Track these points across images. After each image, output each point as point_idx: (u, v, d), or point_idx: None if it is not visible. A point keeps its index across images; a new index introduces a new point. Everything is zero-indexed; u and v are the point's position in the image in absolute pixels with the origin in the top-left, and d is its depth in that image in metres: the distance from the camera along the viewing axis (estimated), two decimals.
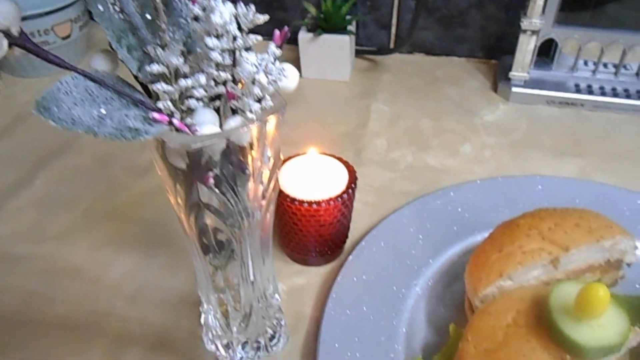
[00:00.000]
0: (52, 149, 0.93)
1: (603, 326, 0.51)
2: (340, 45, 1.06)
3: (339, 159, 0.71)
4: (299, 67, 1.11)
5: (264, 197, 0.48)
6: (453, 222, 0.77)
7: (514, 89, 1.03)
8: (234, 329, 0.58)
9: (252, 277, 0.54)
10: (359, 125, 0.98)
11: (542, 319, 0.53)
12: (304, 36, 1.06)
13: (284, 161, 0.70)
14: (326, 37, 1.05)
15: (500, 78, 1.07)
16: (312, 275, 0.72)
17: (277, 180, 0.49)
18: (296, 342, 0.64)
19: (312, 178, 0.68)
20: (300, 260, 0.73)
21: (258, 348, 0.61)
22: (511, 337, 0.53)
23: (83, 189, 0.85)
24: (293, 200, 0.65)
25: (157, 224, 0.79)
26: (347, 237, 0.74)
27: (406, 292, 0.68)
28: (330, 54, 1.07)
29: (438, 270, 0.71)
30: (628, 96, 1.01)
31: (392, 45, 1.17)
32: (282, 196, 0.66)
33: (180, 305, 0.67)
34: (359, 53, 1.15)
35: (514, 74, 1.03)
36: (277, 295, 0.61)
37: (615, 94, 1.02)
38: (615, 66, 1.04)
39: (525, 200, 0.77)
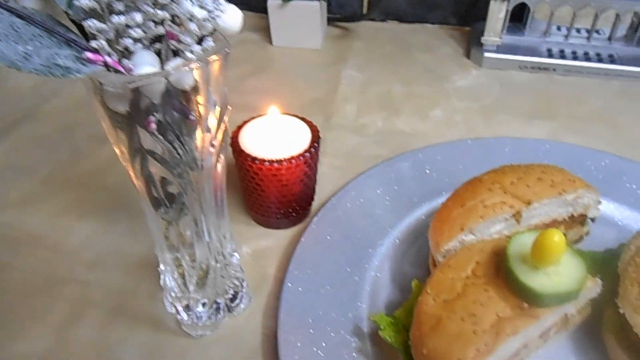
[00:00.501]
0: (14, 118, 0.91)
1: (560, 274, 0.50)
2: (311, 12, 1.04)
3: (302, 119, 0.70)
4: (269, 36, 1.09)
5: (212, 146, 0.47)
6: (421, 183, 0.76)
7: (486, 54, 1.02)
8: (191, 288, 0.57)
9: (206, 234, 0.53)
10: (329, 91, 0.96)
11: (500, 269, 0.52)
12: (273, 3, 1.04)
13: (246, 122, 0.69)
14: (296, 4, 1.03)
15: (472, 44, 1.06)
16: (278, 238, 0.71)
17: (225, 129, 0.48)
18: (259, 303, 0.63)
19: (274, 138, 0.67)
20: (266, 223, 0.72)
21: (219, 309, 0.60)
22: (469, 288, 0.52)
23: (45, 157, 0.83)
24: (254, 159, 0.64)
25: (120, 191, 0.77)
26: (312, 199, 0.73)
27: (372, 252, 0.67)
28: (301, 21, 1.05)
29: (405, 230, 0.71)
30: (600, 60, 1.01)
31: (364, 11, 1.15)
32: (242, 156, 0.65)
33: (141, 270, 0.66)
34: (330, 20, 1.13)
35: (486, 38, 1.01)
36: (236, 254, 0.60)
37: (587, 58, 1.01)
38: (587, 31, 1.04)
39: (494, 161, 0.75)
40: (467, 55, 1.07)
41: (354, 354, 0.57)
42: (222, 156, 0.49)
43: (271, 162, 0.64)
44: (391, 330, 0.56)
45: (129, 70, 0.39)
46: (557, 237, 0.48)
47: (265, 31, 1.10)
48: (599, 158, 0.79)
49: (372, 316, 0.57)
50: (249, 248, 0.70)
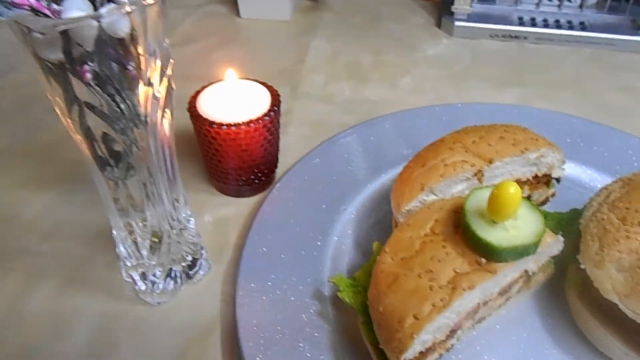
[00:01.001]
0: None
1: (517, 228, 0.50)
2: None
3: (263, 83, 0.68)
4: (236, 8, 1.07)
5: (156, 99, 0.45)
6: (387, 149, 0.75)
7: (457, 23, 1.01)
8: (145, 254, 0.55)
9: (156, 197, 0.51)
10: (297, 62, 0.94)
11: (459, 226, 0.51)
12: None
13: (204, 87, 0.67)
14: None
15: (443, 13, 1.04)
16: (241, 206, 0.69)
17: (170, 84, 0.46)
18: (219, 270, 0.62)
19: (233, 102, 0.65)
20: (229, 191, 0.71)
21: (177, 276, 0.59)
22: (427, 245, 0.51)
23: (1, 131, 0.80)
24: (211, 123, 0.62)
25: (78, 163, 0.74)
26: (276, 166, 0.72)
27: (336, 217, 0.66)
28: None
29: (369, 195, 0.69)
30: (571, 27, 1.00)
31: None
32: (200, 121, 0.63)
33: (99, 240, 0.64)
34: None
35: (457, 7, 1.00)
36: (192, 220, 0.59)
37: (558, 25, 1.00)
38: None
39: (462, 126, 0.75)
40: (438, 24, 1.05)
41: (314, 317, 0.56)
42: (168, 112, 0.47)
43: (229, 125, 0.62)
44: (350, 292, 0.55)
45: (57, 13, 0.37)
46: (512, 189, 0.47)
47: (233, 3, 1.08)
48: (566, 121, 0.79)
49: (331, 278, 0.56)
50: (210, 217, 0.68)
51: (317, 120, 0.82)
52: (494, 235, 0.48)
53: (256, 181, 0.69)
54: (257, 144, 0.65)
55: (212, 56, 0.96)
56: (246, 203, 0.70)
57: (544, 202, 0.68)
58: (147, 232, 0.54)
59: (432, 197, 0.58)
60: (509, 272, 0.51)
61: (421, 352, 0.49)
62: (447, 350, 0.53)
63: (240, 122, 0.62)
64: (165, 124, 0.48)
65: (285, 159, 0.73)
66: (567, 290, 0.58)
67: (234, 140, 0.63)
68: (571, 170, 0.73)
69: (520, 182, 0.63)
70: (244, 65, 0.94)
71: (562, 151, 0.63)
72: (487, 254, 0.49)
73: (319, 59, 0.95)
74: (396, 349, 0.47)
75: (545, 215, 0.67)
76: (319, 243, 0.63)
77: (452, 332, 0.51)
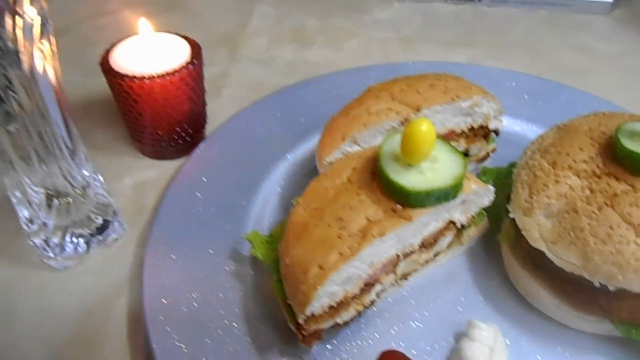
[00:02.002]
0: None
1: (435, 171, 0.46)
2: None
3: (184, 37, 0.64)
4: None
5: (29, 31, 0.41)
6: (323, 108, 0.70)
7: None
8: (41, 214, 0.51)
9: (45, 149, 0.47)
10: (240, 26, 0.90)
11: (376, 173, 0.48)
12: None
13: (118, 41, 0.63)
14: None
15: None
16: (165, 169, 0.65)
17: (45, 19, 0.42)
18: (133, 233, 0.58)
19: (150, 56, 0.61)
20: (152, 153, 0.66)
21: (84, 240, 0.55)
22: (341, 194, 0.47)
23: None
24: (124, 77, 0.58)
25: None
26: (203, 127, 0.68)
27: (263, 177, 0.62)
28: None
29: (300, 154, 0.65)
30: None
31: None
32: (112, 74, 0.59)
33: (2, 204, 0.60)
34: None
35: None
36: (99, 177, 0.54)
37: None
38: None
39: None
40: None
41: (229, 277, 0.52)
42: (45, 49, 0.43)
43: (142, 78, 0.58)
44: (264, 248, 0.51)
45: None
46: (424, 126, 0.43)
47: None
48: (514, 78, 0.75)
49: (246, 235, 0.52)
50: (131, 179, 0.64)
51: (255, 82, 0.78)
52: (408, 179, 0.45)
53: (180, 142, 0.65)
54: (176, 100, 0.61)
55: (153, 21, 0.91)
56: (171, 165, 0.66)
57: (484, 158, 0.65)
58: (40, 189, 0.49)
59: (355, 148, 0.55)
60: (428, 220, 0.47)
61: (332, 307, 0.45)
62: (366, 307, 0.49)
63: (155, 75, 0.58)
64: (47, 69, 0.43)
65: (217, 121, 0.69)
66: (501, 244, 0.54)
67: (149, 95, 0.59)
68: (518, 127, 0.70)
69: (455, 135, 0.60)
70: (185, 29, 0.89)
71: (499, 101, 0.60)
72: (401, 198, 0.45)
73: (262, 23, 0.91)
74: (301, 302, 0.43)
75: (485, 171, 0.63)
76: (244, 203, 0.59)
77: (368, 286, 0.47)
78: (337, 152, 0.54)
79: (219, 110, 0.71)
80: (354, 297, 0.46)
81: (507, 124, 0.68)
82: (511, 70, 0.76)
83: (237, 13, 0.94)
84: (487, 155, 0.65)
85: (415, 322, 0.51)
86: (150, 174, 0.64)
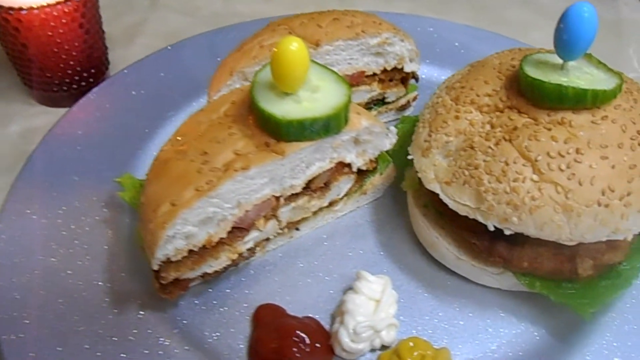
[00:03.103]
0: None
1: (315, 100, 0.40)
2: None
3: None
4: None
5: None
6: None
7: None
8: None
9: None
10: None
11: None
12: None
13: None
14: None
15: None
16: (57, 117, 0.59)
17: None
18: (6, 181, 0.52)
19: None
20: (45, 99, 0.60)
21: None
22: (213, 128, 0.42)
23: None
24: (9, 9, 0.52)
25: None
26: (103, 72, 0.62)
27: (160, 123, 0.57)
28: None
29: (204, 101, 0.60)
30: None
31: None
32: None
33: None
34: None
35: None
36: None
37: None
38: None
39: None
40: None
41: (100, 226, 0.47)
42: None
43: (31, 9, 0.52)
44: (134, 191, 0.46)
45: None
46: (294, 44, 0.37)
47: None
48: (444, 27, 0.70)
49: (118, 178, 0.47)
50: (18, 127, 0.59)
51: (173, 32, 0.73)
52: (281, 107, 0.39)
53: (74, 86, 0.60)
54: (65, 37, 0.55)
55: None
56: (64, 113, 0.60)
57: (404, 107, 0.59)
58: None
59: (245, 84, 0.49)
60: (307, 157, 0.42)
61: (194, 253, 0.40)
62: (244, 258, 0.44)
63: (35, 5, 0.52)
64: None
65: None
66: (407, 195, 0.49)
67: (32, 28, 0.53)
68: (446, 76, 0.65)
69: (366, 77, 0.54)
70: None
71: (413, 40, 0.54)
72: (273, 130, 0.40)
73: None
74: (150, 243, 0.38)
75: (403, 119, 0.58)
76: (139, 151, 0.54)
77: (242, 232, 0.42)
78: (224, 87, 0.49)
79: (130, 59, 0.65)
80: (223, 242, 0.41)
81: (437, 73, 0.64)
82: (446, 20, 0.71)
83: None
84: (408, 103, 0.59)
85: (306, 276, 0.46)
86: (40, 121, 0.59)
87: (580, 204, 0.37)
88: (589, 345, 0.41)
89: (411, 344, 0.39)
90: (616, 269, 0.42)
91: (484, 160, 0.40)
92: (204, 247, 0.40)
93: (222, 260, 0.42)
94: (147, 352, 0.39)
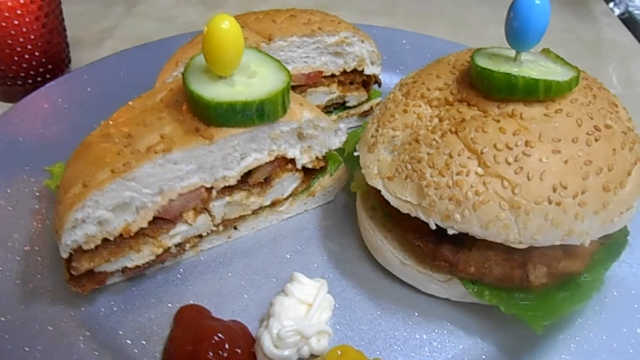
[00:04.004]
0: None
1: (250, 85, 0.38)
2: None
3: None
4: None
5: None
6: None
7: None
8: None
9: None
10: None
11: None
12: None
13: None
14: None
15: None
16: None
17: None
18: None
19: None
20: (0, 93, 0.59)
21: None
22: (145, 113, 0.39)
23: None
24: None
25: None
26: (60, 69, 0.60)
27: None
28: None
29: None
30: None
31: None
32: None
33: None
34: None
35: None
36: None
37: None
38: None
39: None
40: None
41: (24, 215, 0.44)
42: None
43: None
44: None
45: None
46: (225, 23, 0.35)
47: None
48: (415, 39, 0.68)
49: (48, 167, 0.45)
50: None
51: (143, 38, 0.71)
52: (211, 90, 0.37)
53: (29, 81, 0.58)
54: (18, 28, 0.54)
55: None
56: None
57: (367, 113, 0.57)
58: None
59: None
60: (239, 145, 0.39)
61: (109, 242, 0.37)
62: (172, 255, 0.40)
63: None
64: None
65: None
66: (357, 196, 0.46)
67: None
68: None
69: (325, 78, 0.52)
70: None
71: (374, 42, 0.52)
72: (203, 113, 0.37)
73: None
74: (57, 227, 0.35)
75: (365, 125, 0.55)
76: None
77: (167, 223, 0.39)
78: (170, 78, 0.47)
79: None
80: (145, 234, 0.38)
81: None
82: (420, 33, 0.70)
83: None
84: (371, 109, 0.57)
85: (240, 278, 0.42)
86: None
87: (529, 200, 0.34)
88: None
89: (339, 352, 0.35)
90: (576, 280, 0.39)
91: (428, 153, 0.37)
92: (121, 237, 0.37)
93: (144, 254, 0.39)
94: (49, 348, 0.36)
